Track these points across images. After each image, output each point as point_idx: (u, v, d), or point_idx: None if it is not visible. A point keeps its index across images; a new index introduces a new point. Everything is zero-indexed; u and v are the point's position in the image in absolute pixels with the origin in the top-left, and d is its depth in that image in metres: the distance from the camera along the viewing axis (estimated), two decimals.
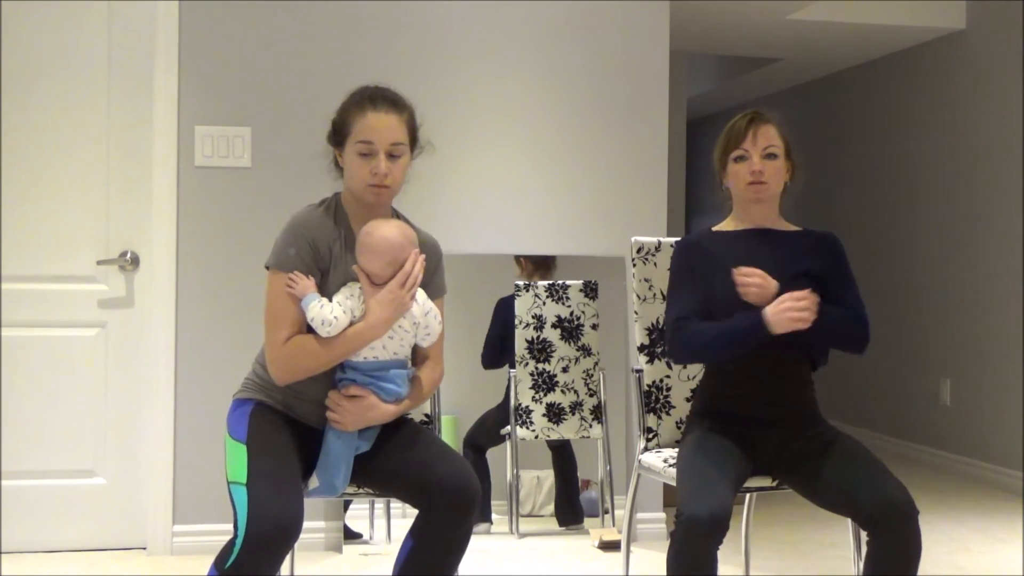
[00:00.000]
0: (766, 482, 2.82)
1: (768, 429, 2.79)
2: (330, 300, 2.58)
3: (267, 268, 2.62)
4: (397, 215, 2.75)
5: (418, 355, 2.72)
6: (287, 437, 2.59)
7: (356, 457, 2.61)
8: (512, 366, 4.39)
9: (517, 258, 4.43)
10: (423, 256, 2.62)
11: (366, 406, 2.56)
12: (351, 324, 2.55)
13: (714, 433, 2.78)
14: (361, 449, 2.61)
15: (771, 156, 2.87)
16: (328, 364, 2.57)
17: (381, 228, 2.57)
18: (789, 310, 2.67)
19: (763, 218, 2.92)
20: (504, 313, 4.40)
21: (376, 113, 2.58)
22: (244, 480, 2.44)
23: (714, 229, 2.97)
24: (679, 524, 2.49)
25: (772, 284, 2.73)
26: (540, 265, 4.44)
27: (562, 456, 4.49)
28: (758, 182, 2.85)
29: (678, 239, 2.97)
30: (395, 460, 2.61)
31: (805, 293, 2.69)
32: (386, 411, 2.59)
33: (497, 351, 4.40)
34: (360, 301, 2.57)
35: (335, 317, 2.53)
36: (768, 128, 2.89)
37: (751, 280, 2.73)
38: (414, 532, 2.53)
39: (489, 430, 4.38)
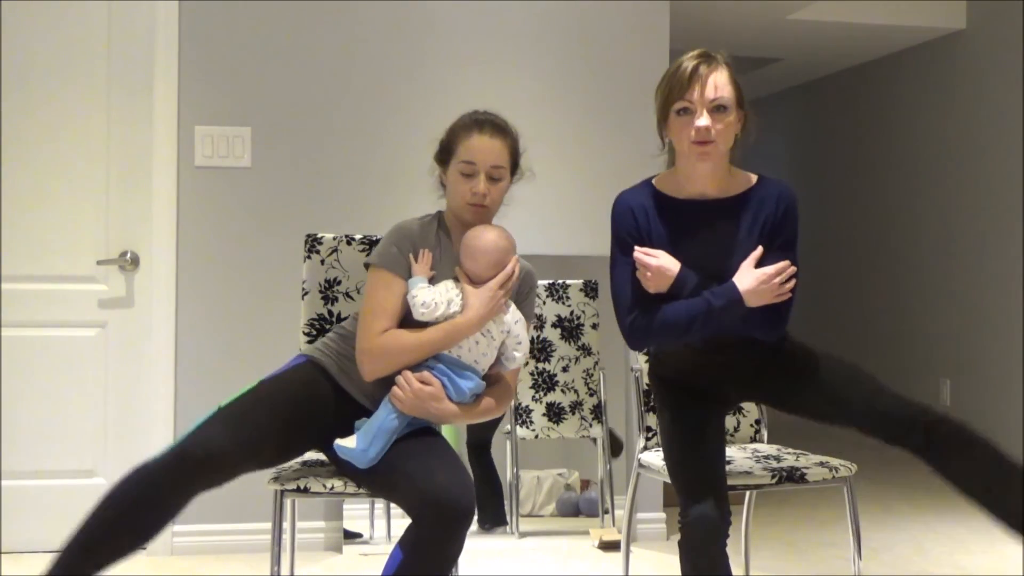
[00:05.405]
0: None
1: (736, 378, 2.64)
2: None
3: (366, 267, 2.70)
4: None
5: (491, 378, 2.68)
6: (307, 399, 2.61)
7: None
8: None
9: None
10: (519, 266, 2.68)
11: (430, 395, 2.53)
12: (447, 318, 2.58)
13: (685, 405, 2.61)
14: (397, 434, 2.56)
15: (720, 109, 2.47)
16: (419, 357, 2.58)
17: (486, 231, 2.65)
18: (766, 283, 2.43)
19: (710, 179, 2.53)
20: None
21: (481, 136, 2.67)
22: (220, 406, 2.51)
23: (656, 185, 2.61)
24: (687, 527, 2.41)
25: (671, 270, 2.47)
26: None
27: (478, 456, 4.38)
28: (704, 141, 2.45)
29: (617, 198, 2.65)
30: (397, 463, 2.53)
31: (783, 265, 2.45)
32: (446, 410, 2.56)
33: None
34: (458, 295, 2.60)
35: (435, 302, 2.57)
36: (717, 75, 2.49)
37: (649, 265, 2.47)
38: (403, 544, 2.44)
39: (484, 425, 4.34)
